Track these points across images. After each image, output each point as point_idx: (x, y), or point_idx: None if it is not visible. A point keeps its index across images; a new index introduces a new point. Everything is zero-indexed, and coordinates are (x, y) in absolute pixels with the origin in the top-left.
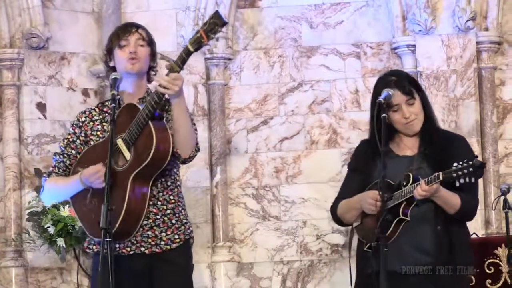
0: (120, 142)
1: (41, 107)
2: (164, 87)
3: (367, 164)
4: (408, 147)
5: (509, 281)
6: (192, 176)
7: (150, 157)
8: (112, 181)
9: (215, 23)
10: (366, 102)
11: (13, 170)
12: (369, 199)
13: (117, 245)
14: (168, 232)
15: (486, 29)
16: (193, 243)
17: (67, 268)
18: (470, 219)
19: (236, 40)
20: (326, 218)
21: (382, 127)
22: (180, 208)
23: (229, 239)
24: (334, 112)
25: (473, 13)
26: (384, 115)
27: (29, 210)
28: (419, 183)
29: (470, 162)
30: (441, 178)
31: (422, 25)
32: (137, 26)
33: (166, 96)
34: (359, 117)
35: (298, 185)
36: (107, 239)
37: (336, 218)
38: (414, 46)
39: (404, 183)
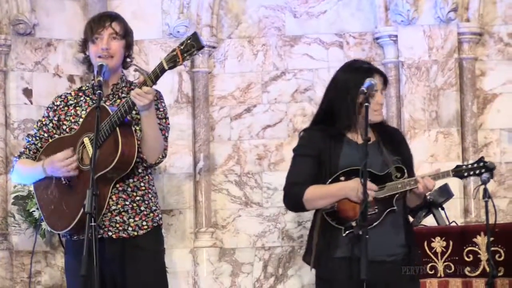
0: (86, 140)
1: (28, 92)
2: (135, 99)
3: (323, 149)
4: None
5: (487, 269)
6: (176, 162)
7: (114, 162)
8: (76, 178)
9: (192, 45)
10: None
11: (0, 155)
12: (361, 188)
13: (80, 234)
14: (136, 219)
15: (468, 20)
16: (162, 226)
17: (51, 251)
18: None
19: (221, 28)
20: None
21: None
22: (150, 196)
23: (212, 225)
24: (316, 100)
25: (455, 4)
26: (367, 104)
27: (14, 194)
28: (425, 177)
29: (482, 164)
30: (451, 175)
31: (404, 15)
32: (111, 18)
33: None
34: None
35: (280, 172)
36: (92, 224)
37: (299, 203)
38: (396, 36)
39: (398, 175)
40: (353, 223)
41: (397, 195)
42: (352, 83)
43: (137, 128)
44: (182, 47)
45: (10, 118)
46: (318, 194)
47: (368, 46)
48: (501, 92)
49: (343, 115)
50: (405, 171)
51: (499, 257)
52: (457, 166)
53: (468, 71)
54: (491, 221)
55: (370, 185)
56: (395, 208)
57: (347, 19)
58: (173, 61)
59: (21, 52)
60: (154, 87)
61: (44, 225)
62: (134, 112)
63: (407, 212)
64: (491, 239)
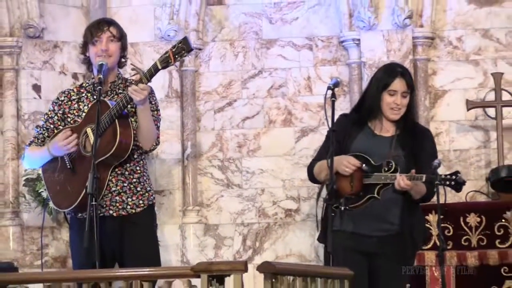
0: (89, 130)
1: (37, 88)
2: (133, 94)
3: (345, 135)
4: (386, 129)
5: (438, 242)
6: (166, 149)
7: (113, 149)
8: (79, 163)
9: (183, 48)
10: (317, 88)
11: (11, 143)
12: (346, 161)
13: (80, 213)
14: (134, 198)
15: (421, 26)
16: (155, 205)
17: (57, 227)
18: (428, 202)
19: (206, 33)
20: (281, 187)
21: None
22: (145, 178)
23: (198, 204)
24: (289, 96)
25: (410, 12)
26: (333, 99)
27: (25, 177)
28: (401, 176)
29: (454, 177)
30: (423, 180)
31: (366, 22)
32: (108, 24)
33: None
34: (310, 100)
35: (258, 158)
36: (93, 203)
37: (312, 176)
38: (359, 40)
39: (386, 169)
40: (341, 200)
41: (379, 185)
42: (377, 81)
43: (133, 119)
44: (174, 50)
45: (21, 110)
46: (320, 168)
47: (335, 48)
48: (450, 89)
49: (366, 106)
50: (396, 167)
51: (448, 232)
52: (431, 175)
53: (422, 70)
54: (441, 201)
55: (354, 161)
56: (375, 196)
57: (316, 25)
58: (166, 62)
59: (31, 53)
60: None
61: (51, 204)
62: (129, 106)
63: (408, 200)
64: (441, 217)
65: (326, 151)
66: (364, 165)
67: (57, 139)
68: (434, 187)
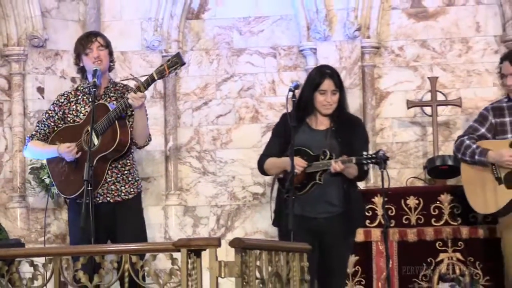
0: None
1: (40, 90)
2: (131, 101)
3: (289, 130)
4: (321, 123)
5: (382, 221)
6: (152, 142)
7: (114, 145)
8: (82, 156)
9: (176, 62)
10: (280, 90)
11: (19, 137)
12: (298, 162)
13: (81, 199)
14: (126, 187)
15: (368, 37)
16: (147, 193)
17: (58, 209)
18: (362, 180)
19: (185, 43)
20: (249, 174)
21: (292, 108)
22: (134, 169)
23: (178, 189)
24: (256, 97)
25: (359, 26)
26: (294, 99)
27: (30, 166)
28: (336, 161)
29: (376, 155)
30: (354, 162)
31: (321, 34)
32: (95, 35)
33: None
34: (274, 100)
35: (229, 150)
36: (89, 188)
37: (262, 170)
38: (315, 49)
39: (322, 157)
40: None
41: (320, 172)
42: (310, 82)
43: (130, 120)
44: (168, 63)
45: (27, 109)
46: (271, 164)
47: (295, 56)
48: (393, 91)
49: (302, 105)
50: (332, 155)
51: (391, 212)
52: (360, 156)
53: (369, 75)
54: (385, 186)
55: (300, 162)
56: (317, 181)
57: (279, 36)
58: (161, 73)
59: (36, 60)
60: None
61: (53, 189)
62: (128, 110)
63: (347, 182)
64: (385, 199)
65: (273, 147)
66: (307, 164)
67: (64, 146)
68: (364, 166)
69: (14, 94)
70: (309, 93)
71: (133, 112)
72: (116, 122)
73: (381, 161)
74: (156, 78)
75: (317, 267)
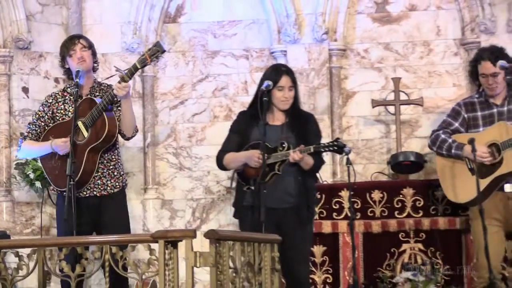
0: (80, 124)
1: (25, 90)
2: (116, 91)
3: (245, 129)
4: (277, 119)
5: (349, 213)
6: (131, 139)
7: (103, 136)
8: (73, 149)
9: (157, 50)
10: (252, 90)
11: (4, 134)
12: (255, 157)
13: (78, 191)
14: (112, 181)
15: (336, 40)
16: (127, 187)
17: (42, 202)
18: (317, 171)
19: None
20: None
21: (263, 106)
22: (119, 164)
23: (156, 183)
24: (230, 96)
25: (326, 29)
26: (265, 98)
27: (16, 162)
28: (294, 151)
29: (336, 143)
30: (312, 150)
31: (291, 37)
32: (78, 38)
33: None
34: (246, 100)
35: (204, 146)
36: (72, 183)
37: (221, 165)
38: (285, 51)
39: (280, 149)
40: (251, 181)
41: (278, 163)
42: (269, 77)
43: (117, 113)
44: (149, 52)
45: (13, 108)
46: (231, 159)
47: (266, 58)
48: (358, 91)
49: (258, 102)
50: (289, 146)
51: (357, 205)
52: (317, 145)
53: (336, 76)
54: (352, 180)
55: (259, 155)
56: (277, 172)
57: (251, 39)
58: (143, 62)
59: (21, 61)
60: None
61: (37, 183)
62: (115, 101)
63: (302, 174)
64: (351, 193)
65: (231, 143)
66: (266, 156)
67: (57, 141)
68: (320, 156)
69: (0, 94)
70: (266, 91)
71: (119, 107)
72: (104, 114)
73: (340, 148)
74: (139, 67)
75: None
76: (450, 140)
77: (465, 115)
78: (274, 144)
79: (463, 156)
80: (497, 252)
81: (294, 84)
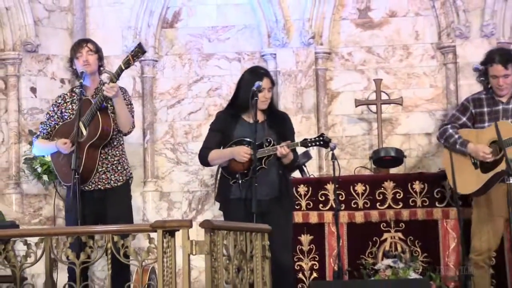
0: (81, 124)
1: (33, 90)
2: (105, 92)
3: (226, 127)
4: (257, 117)
5: (334, 205)
6: (132, 136)
7: (98, 134)
8: (76, 146)
9: (139, 51)
10: None
11: (14, 131)
12: (243, 152)
13: (83, 185)
14: (116, 175)
15: (321, 44)
16: (132, 181)
17: (49, 194)
18: (294, 166)
19: (161, 49)
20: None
21: (254, 106)
22: (123, 159)
23: (155, 177)
24: (223, 96)
25: (313, 34)
26: (256, 98)
27: (24, 157)
28: (282, 146)
29: (321, 138)
30: (299, 145)
31: (280, 41)
32: (86, 41)
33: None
34: None
35: (200, 142)
36: (76, 176)
37: (205, 161)
38: (275, 54)
39: (267, 144)
40: (237, 175)
41: (265, 158)
42: (248, 81)
43: (111, 112)
44: (132, 54)
45: (22, 106)
46: (217, 155)
47: (257, 60)
48: (342, 91)
49: (240, 102)
50: (274, 142)
51: (341, 197)
52: (304, 139)
53: (321, 77)
54: (336, 174)
55: (246, 150)
56: (263, 166)
57: (243, 43)
58: (127, 63)
59: (29, 63)
60: (120, 83)
61: (44, 177)
62: (109, 101)
63: (283, 168)
64: (336, 186)
65: (213, 141)
66: (252, 152)
67: (60, 142)
68: (296, 153)
69: (10, 93)
70: (247, 92)
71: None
72: (98, 113)
73: (326, 143)
74: (123, 68)
75: None
76: (456, 136)
77: (473, 111)
78: (258, 140)
79: (466, 153)
80: (488, 237)
81: (272, 85)
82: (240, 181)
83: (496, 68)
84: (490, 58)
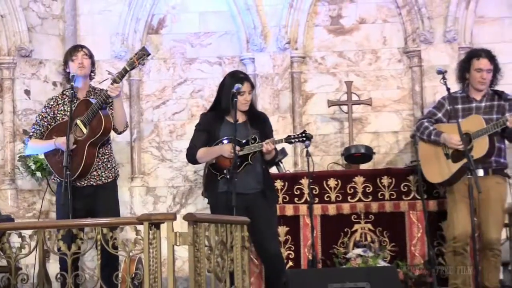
0: (79, 122)
1: (27, 92)
2: (110, 92)
3: (211, 126)
4: (239, 117)
5: (308, 199)
6: (120, 135)
7: (101, 131)
8: (74, 145)
9: (143, 54)
10: None
11: (9, 131)
12: (231, 148)
13: (77, 181)
14: (106, 172)
15: (296, 49)
16: (118, 177)
17: (42, 190)
18: (275, 161)
19: None
20: None
21: (234, 106)
22: (112, 157)
23: (141, 173)
24: (205, 97)
25: (289, 39)
26: (236, 99)
27: (19, 155)
28: (267, 142)
29: (304, 134)
30: (283, 141)
31: (258, 46)
32: (81, 47)
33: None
34: None
35: (183, 140)
36: (68, 173)
37: (193, 159)
38: (253, 58)
39: (252, 142)
40: (225, 171)
41: (251, 154)
42: (229, 85)
43: (110, 111)
44: (136, 56)
45: (16, 108)
46: (205, 153)
47: (237, 64)
48: (316, 92)
49: (223, 105)
50: (258, 139)
51: (315, 191)
52: (288, 136)
53: (297, 79)
54: (311, 170)
55: (230, 147)
56: (249, 162)
57: (224, 48)
58: (132, 65)
59: (23, 67)
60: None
61: (38, 174)
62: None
63: (265, 164)
64: (311, 181)
65: (200, 140)
66: (240, 149)
67: (59, 139)
68: (277, 150)
69: (5, 96)
70: (228, 95)
71: (111, 107)
72: (100, 112)
73: (308, 139)
74: (128, 69)
75: (250, 235)
76: (431, 128)
77: (448, 107)
78: (243, 138)
79: (440, 142)
80: (464, 225)
81: (252, 88)
82: (228, 176)
83: (482, 61)
84: (476, 53)
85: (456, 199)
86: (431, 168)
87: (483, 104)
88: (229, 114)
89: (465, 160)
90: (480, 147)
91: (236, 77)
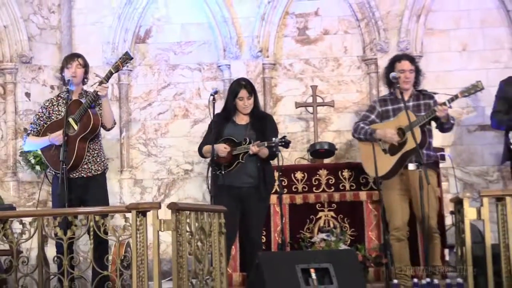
0: (71, 119)
1: (27, 95)
2: (99, 91)
3: (219, 127)
4: (243, 119)
5: (278, 189)
6: (111, 133)
7: (90, 128)
8: (66, 140)
9: (126, 58)
10: (204, 95)
11: (11, 129)
12: (222, 147)
13: (70, 173)
14: (96, 166)
15: (268, 57)
16: (107, 171)
17: (40, 181)
18: (272, 159)
19: (134, 60)
20: (182, 156)
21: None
22: (101, 152)
23: (130, 167)
24: (186, 99)
25: (261, 48)
26: (214, 101)
27: (20, 150)
28: (253, 145)
29: (283, 140)
30: (265, 145)
31: (233, 54)
32: (78, 56)
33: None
34: (200, 102)
35: (168, 138)
36: (64, 167)
37: (201, 153)
38: (229, 65)
39: (244, 143)
40: (221, 167)
41: (242, 153)
42: (231, 92)
43: (99, 110)
44: (121, 60)
45: (18, 108)
46: (206, 150)
47: (215, 70)
48: (285, 95)
49: (228, 107)
50: (251, 141)
51: (284, 183)
52: (269, 141)
53: (268, 84)
54: (280, 164)
55: (224, 147)
56: (240, 160)
57: (203, 55)
58: (117, 68)
59: (24, 72)
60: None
61: (37, 167)
62: (97, 100)
63: (260, 161)
64: (280, 173)
65: (208, 137)
66: (231, 148)
67: (53, 135)
68: (273, 149)
69: (8, 98)
70: (232, 100)
71: (100, 106)
72: (89, 110)
73: (287, 144)
74: (113, 71)
75: (240, 224)
76: (366, 127)
77: (379, 109)
78: (240, 138)
79: (376, 139)
80: (403, 215)
81: (252, 93)
82: (223, 172)
83: (404, 63)
84: (398, 57)
85: (392, 194)
86: (371, 164)
87: (410, 103)
88: (235, 115)
89: (402, 152)
90: (413, 139)
91: (237, 84)
